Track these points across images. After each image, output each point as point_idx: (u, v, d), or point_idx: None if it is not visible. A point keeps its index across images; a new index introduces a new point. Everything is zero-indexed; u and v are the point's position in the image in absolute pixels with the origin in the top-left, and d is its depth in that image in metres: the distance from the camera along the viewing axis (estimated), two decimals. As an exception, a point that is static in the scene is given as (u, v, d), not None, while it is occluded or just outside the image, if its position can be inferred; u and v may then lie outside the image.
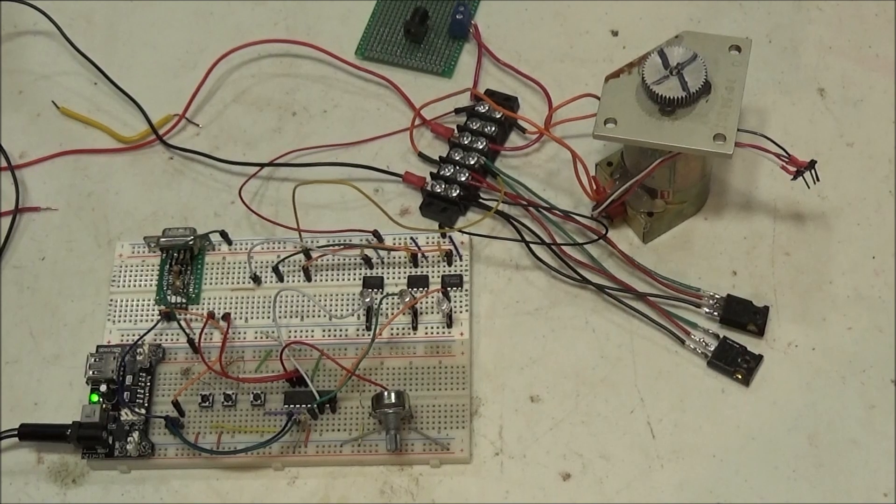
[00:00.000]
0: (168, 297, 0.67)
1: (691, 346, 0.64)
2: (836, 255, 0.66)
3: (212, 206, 0.71)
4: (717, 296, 0.65)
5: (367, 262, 0.67)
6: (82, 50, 0.76)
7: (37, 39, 0.78)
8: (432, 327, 0.65)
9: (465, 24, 0.74)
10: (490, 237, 0.68)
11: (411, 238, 0.67)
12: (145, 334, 0.65)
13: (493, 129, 0.70)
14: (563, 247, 0.67)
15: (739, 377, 0.63)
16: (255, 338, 0.66)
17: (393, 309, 0.66)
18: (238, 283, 0.68)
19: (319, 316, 0.66)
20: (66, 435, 0.63)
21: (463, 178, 0.69)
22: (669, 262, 0.67)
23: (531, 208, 0.68)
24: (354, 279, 0.67)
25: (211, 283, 0.68)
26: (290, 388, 0.64)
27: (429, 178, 0.70)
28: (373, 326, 0.65)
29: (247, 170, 0.71)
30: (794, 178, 0.63)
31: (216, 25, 0.77)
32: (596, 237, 0.67)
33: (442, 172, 0.69)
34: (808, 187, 0.63)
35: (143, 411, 0.63)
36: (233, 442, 0.63)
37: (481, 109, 0.71)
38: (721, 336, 0.64)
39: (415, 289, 0.66)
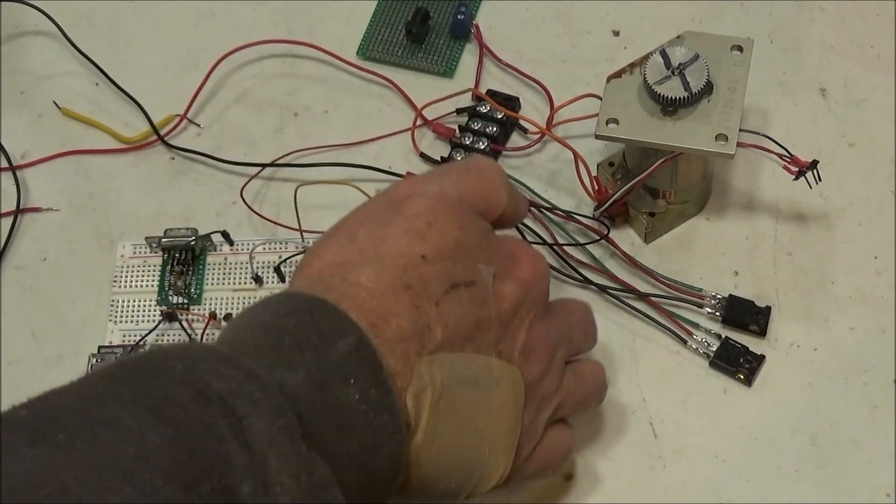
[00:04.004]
0: (170, 298, 0.67)
1: (693, 347, 0.64)
2: (838, 256, 0.66)
3: (213, 207, 0.71)
4: (719, 296, 0.65)
5: (369, 262, 0.67)
6: (84, 50, 0.76)
7: (38, 40, 0.78)
8: (434, 328, 0.65)
9: (467, 25, 0.74)
10: (492, 237, 0.68)
11: (413, 238, 0.67)
12: (147, 335, 0.65)
13: (495, 129, 0.70)
14: (564, 247, 0.67)
15: (741, 377, 0.63)
16: (257, 338, 0.66)
17: (395, 309, 0.66)
18: (240, 283, 0.68)
19: (321, 316, 0.66)
20: (67, 435, 0.63)
21: (465, 179, 0.69)
22: (671, 262, 0.67)
23: (533, 208, 0.68)
24: (356, 279, 0.67)
25: (213, 284, 0.68)
26: (292, 389, 0.63)
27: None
28: (374, 327, 0.65)
29: (248, 170, 0.71)
30: (796, 178, 0.63)
31: (217, 26, 0.77)
32: (598, 237, 0.67)
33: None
34: (810, 187, 0.63)
35: (144, 412, 0.63)
36: (234, 442, 0.63)
37: (483, 110, 0.71)
38: (723, 336, 0.64)
39: (416, 289, 0.66)
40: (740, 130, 0.61)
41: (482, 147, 0.70)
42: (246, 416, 0.43)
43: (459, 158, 0.69)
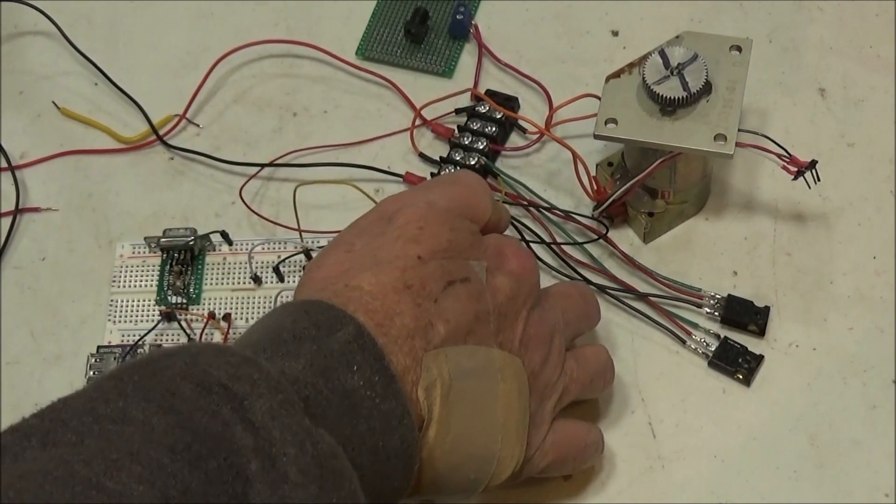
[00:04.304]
0: (169, 298, 0.67)
1: (692, 347, 0.64)
2: (837, 256, 0.66)
3: (212, 207, 0.71)
4: (717, 296, 0.65)
5: (368, 262, 0.67)
6: (83, 50, 0.76)
7: (37, 40, 0.78)
8: (433, 327, 0.65)
9: (466, 25, 0.74)
10: (491, 237, 0.68)
11: (412, 238, 0.67)
12: (146, 335, 0.65)
13: (494, 129, 0.70)
14: (563, 246, 0.67)
15: (740, 377, 0.63)
16: (256, 338, 0.66)
17: (394, 309, 0.66)
18: (239, 283, 0.68)
19: (320, 316, 0.66)
20: (66, 435, 0.63)
21: (464, 179, 0.69)
22: (670, 262, 0.67)
23: (532, 208, 0.68)
24: (355, 279, 0.67)
25: (211, 284, 0.68)
26: (291, 389, 0.63)
27: (430, 179, 0.70)
28: (373, 327, 0.65)
29: (247, 170, 0.71)
30: (795, 178, 0.63)
31: (217, 26, 0.77)
32: (596, 237, 0.67)
33: (443, 173, 0.69)
34: (809, 187, 0.63)
35: (143, 412, 0.63)
36: (233, 442, 0.63)
37: (482, 110, 0.71)
38: (722, 336, 0.64)
39: (415, 289, 0.66)
40: (739, 130, 0.61)
41: (481, 147, 0.70)
42: (246, 397, 0.44)
43: (459, 158, 0.69)
